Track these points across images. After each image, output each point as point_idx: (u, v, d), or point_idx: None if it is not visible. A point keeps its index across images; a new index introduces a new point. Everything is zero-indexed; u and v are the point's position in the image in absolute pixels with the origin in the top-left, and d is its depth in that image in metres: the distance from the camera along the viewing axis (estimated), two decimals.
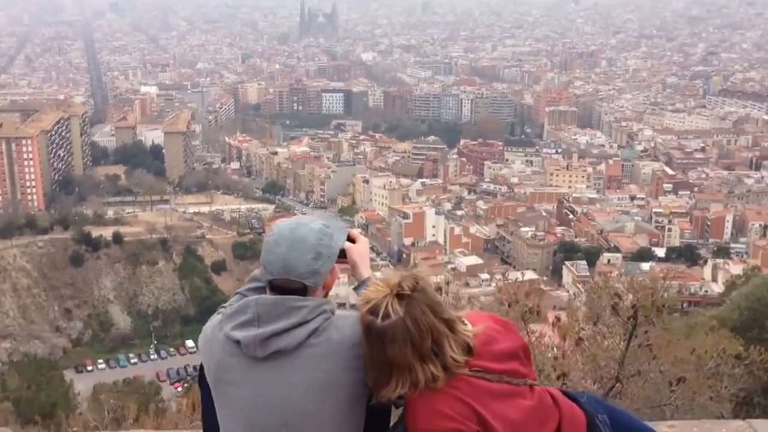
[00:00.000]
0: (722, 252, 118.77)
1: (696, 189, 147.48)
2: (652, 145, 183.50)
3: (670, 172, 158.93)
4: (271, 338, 3.06)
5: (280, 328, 3.06)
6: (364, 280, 3.43)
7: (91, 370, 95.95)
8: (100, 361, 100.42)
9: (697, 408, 8.67)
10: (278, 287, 3.17)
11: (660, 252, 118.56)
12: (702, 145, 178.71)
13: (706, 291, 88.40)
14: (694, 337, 10.10)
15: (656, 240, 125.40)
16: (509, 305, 9.13)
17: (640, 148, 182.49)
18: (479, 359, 2.87)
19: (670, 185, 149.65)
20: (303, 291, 3.16)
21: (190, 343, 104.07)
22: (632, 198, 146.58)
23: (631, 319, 8.61)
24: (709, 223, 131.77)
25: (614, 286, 9.25)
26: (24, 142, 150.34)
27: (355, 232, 3.44)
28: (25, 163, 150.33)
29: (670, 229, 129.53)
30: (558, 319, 9.53)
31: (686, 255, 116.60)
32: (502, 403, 2.86)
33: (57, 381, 66.53)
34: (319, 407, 3.04)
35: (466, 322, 2.95)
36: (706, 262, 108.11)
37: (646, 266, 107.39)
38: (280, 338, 3.06)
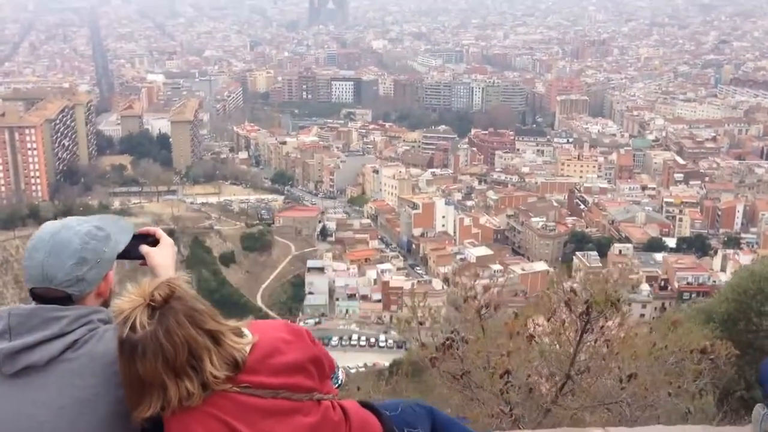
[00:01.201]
0: (733, 242, 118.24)
1: (707, 179, 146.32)
2: (664, 134, 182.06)
3: (681, 161, 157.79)
4: (20, 353, 2.74)
5: (31, 341, 2.74)
6: None
7: None
8: None
9: (651, 405, 8.60)
10: (39, 296, 2.88)
11: (671, 242, 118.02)
12: (713, 134, 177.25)
13: (715, 281, 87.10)
14: (657, 333, 10.03)
15: (667, 230, 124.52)
16: (465, 300, 9.08)
17: (651, 137, 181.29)
18: (254, 374, 2.68)
19: (681, 175, 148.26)
20: (68, 300, 2.88)
21: None
22: (643, 188, 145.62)
23: (584, 315, 8.49)
24: (719, 213, 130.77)
25: (569, 281, 9.15)
26: (28, 131, 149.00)
27: (161, 232, 3.23)
28: (29, 152, 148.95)
29: (680, 219, 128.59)
30: (516, 314, 9.46)
31: (697, 245, 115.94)
32: (274, 421, 2.69)
33: None
34: (72, 428, 2.74)
35: (246, 332, 2.75)
36: (716, 252, 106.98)
37: (657, 256, 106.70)
38: (32, 352, 2.74)
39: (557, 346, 8.81)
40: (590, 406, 8.54)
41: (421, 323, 9.64)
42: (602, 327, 8.69)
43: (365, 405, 3.05)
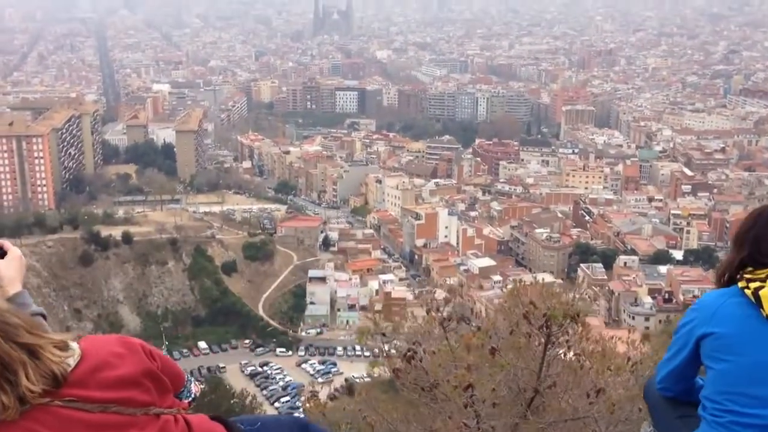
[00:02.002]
0: None
1: (715, 190, 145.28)
2: (671, 145, 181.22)
3: (689, 173, 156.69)
4: None
5: None
6: (11, 297, 3.15)
7: None
8: None
9: (624, 420, 8.39)
10: None
11: (678, 255, 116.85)
12: (722, 145, 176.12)
13: None
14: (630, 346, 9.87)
15: (674, 242, 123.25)
16: (428, 312, 9.14)
17: (658, 148, 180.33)
18: (82, 388, 2.59)
19: (689, 186, 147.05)
20: None
21: (203, 344, 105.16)
22: (650, 199, 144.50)
23: (544, 328, 8.37)
24: (728, 225, 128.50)
25: (528, 295, 9.06)
26: (35, 140, 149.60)
27: (8, 244, 3.16)
28: (36, 161, 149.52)
29: (688, 232, 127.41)
30: (478, 328, 9.45)
31: (704, 258, 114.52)
32: None
33: None
34: None
35: (73, 346, 2.65)
36: None
37: (663, 269, 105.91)
38: None
39: (521, 360, 8.68)
40: (560, 422, 8.44)
41: (383, 334, 9.63)
42: (567, 341, 8.57)
43: (217, 418, 2.98)
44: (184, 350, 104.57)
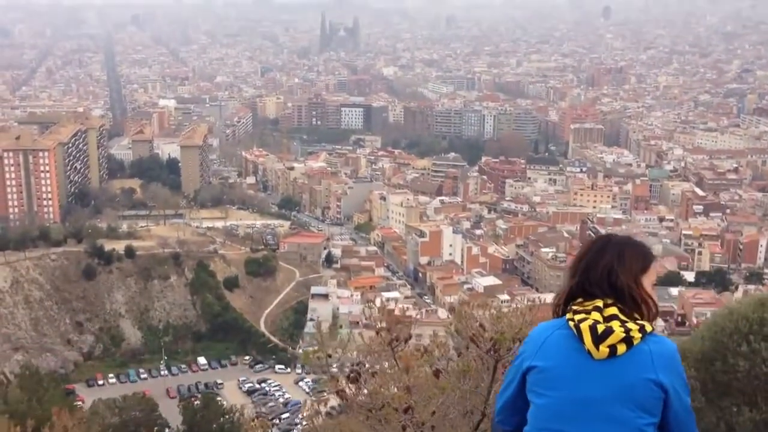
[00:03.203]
0: (755, 277, 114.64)
1: (728, 211, 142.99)
2: (683, 164, 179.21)
3: (700, 193, 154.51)
4: None
5: None
6: None
7: (102, 385, 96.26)
8: (111, 375, 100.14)
9: None
10: None
11: (689, 276, 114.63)
12: (735, 165, 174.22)
13: None
14: None
15: (685, 264, 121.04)
16: (377, 333, 9.07)
17: (669, 167, 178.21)
18: None
19: (701, 207, 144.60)
20: None
21: (202, 360, 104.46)
22: (660, 219, 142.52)
23: (492, 351, 8.28)
24: (741, 247, 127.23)
25: (478, 316, 8.82)
26: (41, 154, 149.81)
27: None
28: (42, 175, 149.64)
29: (700, 253, 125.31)
30: (425, 349, 9.20)
31: (716, 280, 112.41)
32: None
33: (58, 395, 64.53)
34: None
35: None
36: (737, 287, 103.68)
37: (674, 291, 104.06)
38: None
39: (471, 382, 8.50)
40: None
41: (329, 355, 9.49)
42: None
43: None
44: (183, 366, 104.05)
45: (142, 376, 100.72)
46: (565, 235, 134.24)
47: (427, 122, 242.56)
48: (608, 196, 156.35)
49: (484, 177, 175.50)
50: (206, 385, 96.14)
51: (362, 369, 8.64)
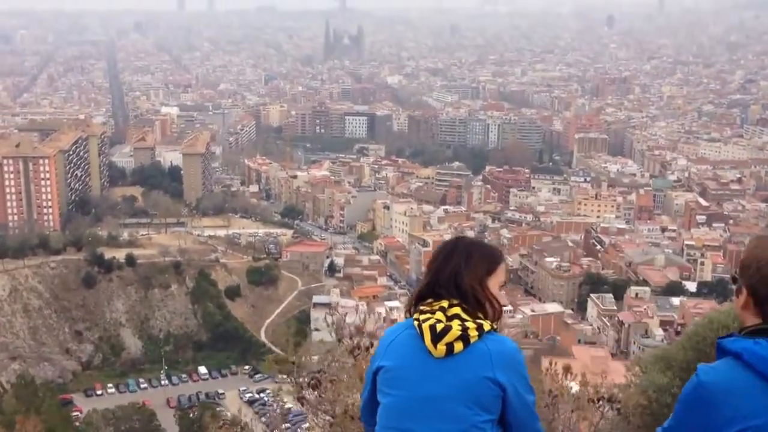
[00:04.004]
0: None
1: (731, 221, 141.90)
2: (686, 174, 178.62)
3: (704, 203, 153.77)
4: None
5: None
6: None
7: (101, 395, 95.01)
8: (110, 385, 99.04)
9: None
10: None
11: (691, 287, 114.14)
12: (738, 175, 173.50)
13: None
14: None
15: (687, 274, 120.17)
16: (339, 341, 9.37)
17: (673, 177, 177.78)
18: None
19: (704, 217, 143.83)
20: None
21: (203, 369, 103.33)
22: (663, 229, 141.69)
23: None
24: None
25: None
26: (41, 161, 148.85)
27: None
28: (42, 182, 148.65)
29: (702, 263, 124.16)
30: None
31: (718, 290, 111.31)
32: None
33: (54, 405, 63.66)
34: None
35: None
36: None
37: (676, 301, 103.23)
38: None
39: None
40: None
41: (293, 363, 9.83)
42: None
43: None
44: (183, 375, 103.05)
45: (142, 386, 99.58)
46: (569, 244, 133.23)
47: (432, 131, 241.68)
48: (612, 206, 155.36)
49: (488, 186, 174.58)
50: (207, 395, 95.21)
51: (322, 376, 8.92)
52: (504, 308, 4.00)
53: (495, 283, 3.81)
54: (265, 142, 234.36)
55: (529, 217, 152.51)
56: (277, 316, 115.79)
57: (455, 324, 3.58)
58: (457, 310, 3.64)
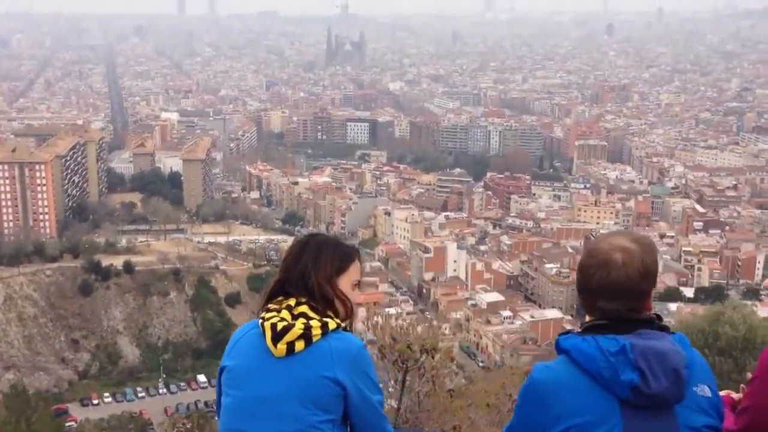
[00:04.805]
0: (752, 293, 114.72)
1: (727, 228, 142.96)
2: (683, 181, 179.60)
3: (700, 209, 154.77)
4: None
5: None
6: None
7: (97, 404, 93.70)
8: (107, 394, 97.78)
9: None
10: None
11: (688, 292, 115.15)
12: (734, 182, 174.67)
13: None
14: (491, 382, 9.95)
15: (685, 280, 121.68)
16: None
17: (670, 184, 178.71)
18: None
19: (701, 223, 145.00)
20: None
21: (202, 377, 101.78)
22: (661, 236, 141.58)
23: (399, 363, 8.37)
24: (740, 263, 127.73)
25: (390, 328, 8.97)
26: (38, 167, 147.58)
27: None
28: (39, 188, 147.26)
29: (699, 269, 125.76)
30: None
31: (715, 296, 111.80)
32: None
33: (46, 415, 63.02)
34: None
35: None
36: None
37: (673, 306, 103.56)
38: None
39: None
40: None
41: None
42: (433, 376, 8.45)
43: None
44: (182, 384, 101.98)
45: (140, 394, 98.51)
46: (569, 250, 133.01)
47: (433, 137, 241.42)
48: (611, 213, 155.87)
49: (489, 193, 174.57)
50: (206, 403, 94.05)
51: None
52: (360, 306, 3.94)
53: (347, 281, 3.77)
54: (267, 148, 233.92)
55: (530, 224, 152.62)
56: None
57: (299, 323, 3.55)
58: (304, 308, 3.61)
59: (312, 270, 3.70)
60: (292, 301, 3.65)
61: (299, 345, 3.52)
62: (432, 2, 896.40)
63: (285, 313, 3.60)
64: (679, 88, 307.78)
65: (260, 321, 3.63)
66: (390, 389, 8.32)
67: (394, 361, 8.14)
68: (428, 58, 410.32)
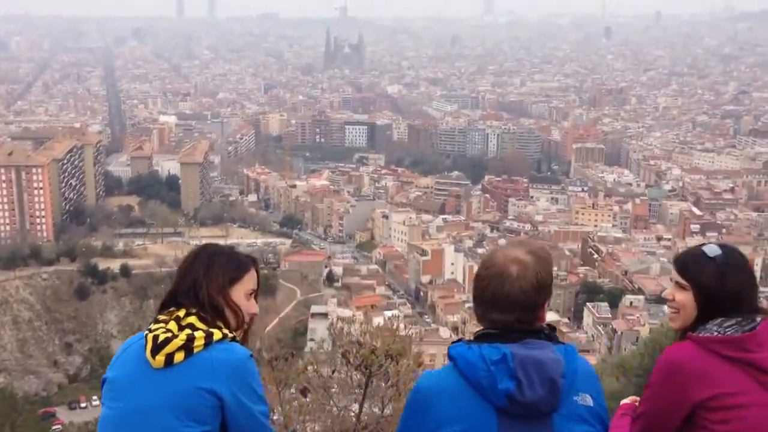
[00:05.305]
0: None
1: (724, 230, 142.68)
2: (681, 184, 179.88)
3: (697, 212, 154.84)
4: None
5: None
6: None
7: (85, 407, 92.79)
8: (95, 397, 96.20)
9: None
10: None
11: None
12: (731, 185, 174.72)
13: None
14: None
15: None
16: (258, 351, 9.14)
17: (668, 187, 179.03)
18: None
19: (698, 226, 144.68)
20: None
21: None
22: (659, 238, 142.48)
23: (362, 368, 8.30)
24: None
25: (354, 332, 9.02)
26: (35, 170, 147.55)
27: None
28: (35, 192, 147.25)
29: None
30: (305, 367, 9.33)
31: None
32: None
33: (32, 419, 62.93)
34: None
35: None
36: None
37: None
38: None
39: (336, 401, 8.56)
40: None
41: None
42: (397, 381, 8.43)
43: None
44: None
45: None
46: (567, 253, 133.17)
47: (431, 140, 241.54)
48: (609, 215, 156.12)
49: (487, 196, 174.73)
50: None
51: None
52: (256, 315, 3.88)
53: (240, 291, 3.72)
54: (265, 151, 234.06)
55: (528, 227, 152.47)
56: (274, 326, 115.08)
57: (183, 334, 3.51)
58: (192, 319, 3.58)
59: (203, 280, 3.67)
60: (181, 312, 3.60)
61: (179, 356, 3.48)
62: (431, 5, 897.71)
63: (172, 324, 3.55)
64: (676, 91, 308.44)
65: (146, 332, 3.58)
66: (353, 394, 8.42)
67: (357, 366, 8.12)
68: (427, 61, 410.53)
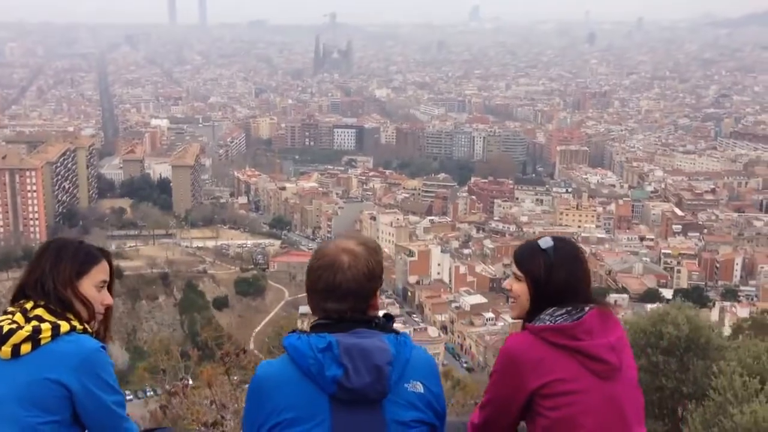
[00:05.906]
0: (731, 295, 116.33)
1: (705, 231, 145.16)
2: (663, 185, 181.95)
3: (679, 213, 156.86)
4: None
5: None
6: None
7: None
8: None
9: None
10: None
11: (667, 293, 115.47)
12: (712, 186, 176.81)
13: None
14: None
15: (664, 281, 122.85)
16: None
17: (650, 188, 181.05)
18: None
19: (680, 226, 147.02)
20: None
21: (189, 381, 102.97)
22: (641, 239, 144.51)
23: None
24: (718, 265, 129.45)
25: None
26: (28, 173, 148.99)
27: None
28: (29, 194, 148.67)
29: (678, 271, 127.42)
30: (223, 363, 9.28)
31: (694, 297, 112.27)
32: None
33: None
34: None
35: None
36: (714, 304, 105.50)
37: (652, 308, 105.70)
38: None
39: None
40: None
41: (163, 371, 10.16)
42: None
43: None
44: (170, 387, 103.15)
45: (128, 397, 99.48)
46: None
47: (419, 143, 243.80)
48: (592, 216, 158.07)
49: (473, 197, 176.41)
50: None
51: (184, 384, 9.07)
52: (110, 306, 4.08)
53: (89, 284, 3.83)
54: (255, 154, 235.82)
55: (513, 228, 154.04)
56: (264, 326, 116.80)
57: (29, 325, 3.55)
58: (40, 311, 3.62)
59: (49, 274, 3.73)
60: (29, 305, 3.64)
61: (25, 347, 3.52)
62: (419, 12, 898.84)
63: (18, 316, 3.59)
64: (658, 94, 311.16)
65: None
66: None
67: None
68: (414, 66, 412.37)
